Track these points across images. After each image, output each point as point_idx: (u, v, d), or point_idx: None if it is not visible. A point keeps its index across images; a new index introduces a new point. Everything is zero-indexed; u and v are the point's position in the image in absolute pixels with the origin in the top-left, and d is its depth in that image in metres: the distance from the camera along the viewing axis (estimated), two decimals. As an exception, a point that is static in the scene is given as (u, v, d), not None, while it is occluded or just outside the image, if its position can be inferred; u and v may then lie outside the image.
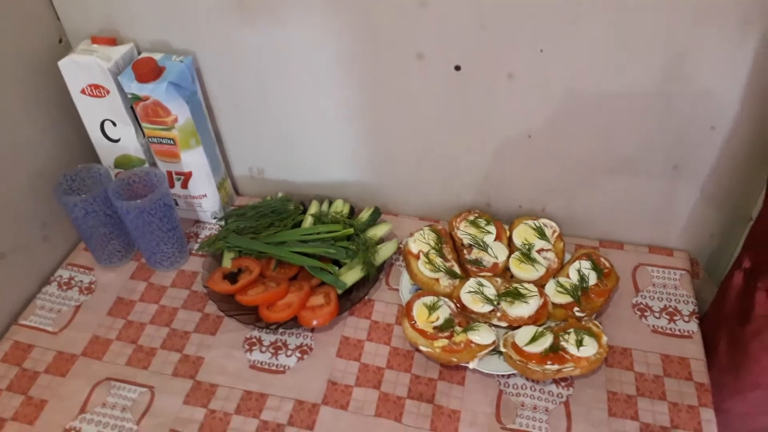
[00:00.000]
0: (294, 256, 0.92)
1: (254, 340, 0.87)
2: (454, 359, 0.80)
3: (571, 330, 0.81)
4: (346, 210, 1.02)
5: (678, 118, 0.82)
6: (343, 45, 0.86)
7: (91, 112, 0.93)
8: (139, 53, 0.92)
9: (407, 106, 0.90)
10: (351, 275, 0.92)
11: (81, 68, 0.87)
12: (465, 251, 0.93)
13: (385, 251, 0.95)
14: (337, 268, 0.93)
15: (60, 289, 0.95)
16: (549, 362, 0.78)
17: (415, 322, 0.83)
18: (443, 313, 0.84)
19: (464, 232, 0.95)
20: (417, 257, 0.92)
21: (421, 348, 0.81)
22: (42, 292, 0.95)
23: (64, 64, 0.87)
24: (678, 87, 0.79)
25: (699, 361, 0.83)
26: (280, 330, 0.88)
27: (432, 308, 0.84)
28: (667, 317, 0.88)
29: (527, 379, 0.81)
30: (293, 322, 0.87)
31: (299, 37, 0.86)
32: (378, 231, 0.97)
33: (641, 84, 0.80)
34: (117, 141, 0.96)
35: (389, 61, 0.86)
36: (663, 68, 0.78)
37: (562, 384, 0.81)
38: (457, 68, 0.84)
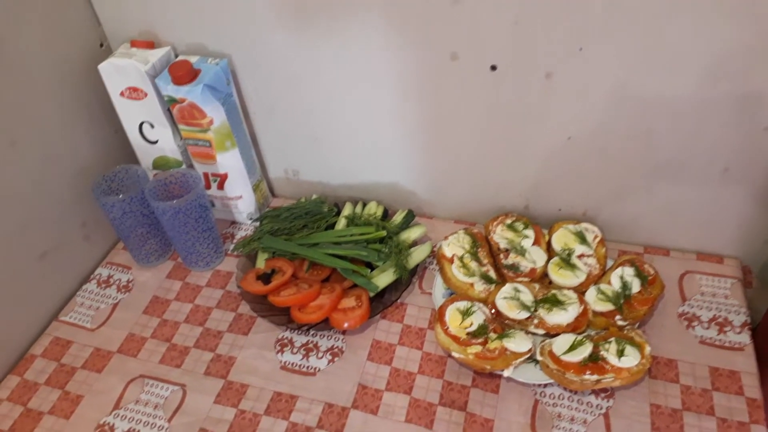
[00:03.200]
0: (327, 257, 0.91)
1: (286, 341, 0.87)
2: (488, 366, 0.77)
3: (612, 339, 0.77)
4: (379, 212, 1.00)
5: (727, 119, 0.78)
6: (376, 46, 0.84)
7: (129, 115, 0.94)
8: (177, 56, 0.93)
9: (442, 107, 0.89)
10: (383, 278, 0.90)
11: (120, 71, 0.89)
12: (501, 256, 0.91)
13: (418, 254, 0.93)
14: (369, 270, 0.91)
15: (99, 287, 0.97)
16: (588, 372, 0.75)
17: (448, 328, 0.80)
18: (477, 318, 0.81)
19: (501, 236, 0.93)
20: (451, 261, 0.90)
21: (454, 354, 0.79)
22: (82, 290, 0.97)
23: (103, 67, 0.89)
24: (727, 86, 0.75)
25: (751, 374, 0.78)
26: (311, 332, 0.87)
27: (465, 313, 0.81)
28: (717, 328, 0.83)
29: (564, 389, 0.78)
30: (324, 324, 0.86)
31: (332, 39, 0.86)
32: (411, 234, 0.96)
33: (687, 83, 0.76)
34: (155, 143, 0.97)
35: (423, 62, 0.84)
36: (710, 67, 0.74)
37: (602, 395, 0.77)
38: (493, 68, 0.81)
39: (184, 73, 0.86)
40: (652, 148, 0.84)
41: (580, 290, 0.86)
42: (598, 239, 0.91)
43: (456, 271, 0.88)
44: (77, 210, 0.96)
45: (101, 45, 0.96)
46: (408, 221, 0.98)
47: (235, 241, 1.03)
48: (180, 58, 0.91)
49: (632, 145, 0.84)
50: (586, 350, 0.76)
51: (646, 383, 0.78)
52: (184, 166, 0.99)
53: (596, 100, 0.81)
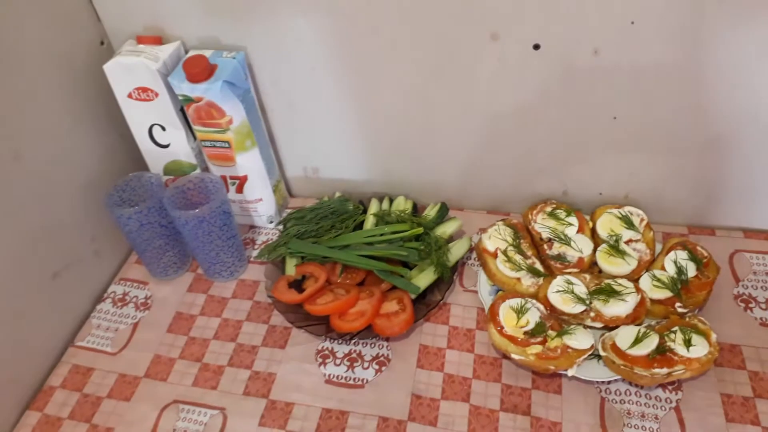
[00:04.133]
0: (361, 259, 0.86)
1: (327, 352, 0.81)
2: (552, 367, 0.73)
3: (676, 328, 0.74)
4: (409, 207, 0.95)
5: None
6: (406, 30, 0.79)
7: (138, 117, 0.87)
8: (186, 51, 0.86)
9: (479, 91, 0.83)
10: (423, 278, 0.85)
11: (127, 71, 0.82)
12: (545, 246, 0.86)
13: (457, 250, 0.88)
14: (408, 270, 0.86)
15: (115, 306, 0.90)
16: (656, 365, 0.71)
17: (503, 328, 0.76)
18: (533, 316, 0.77)
19: (542, 225, 0.88)
20: (494, 255, 0.85)
21: (513, 356, 0.74)
22: (96, 311, 0.90)
23: (109, 67, 0.82)
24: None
25: (817, 355, 0.75)
26: (353, 340, 0.81)
27: (520, 312, 0.77)
28: (775, 308, 0.81)
29: (630, 384, 0.74)
30: (367, 332, 0.81)
31: (357, 24, 0.80)
32: (447, 228, 0.91)
33: (742, 53, 0.72)
34: (166, 146, 0.90)
35: (461, 44, 0.78)
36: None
37: (669, 388, 0.74)
38: (536, 47, 0.76)
39: (201, 70, 0.79)
40: (702, 123, 0.80)
41: (633, 278, 0.82)
42: (644, 223, 0.87)
43: (501, 266, 0.83)
44: (86, 224, 0.88)
45: (102, 43, 0.88)
46: (442, 215, 0.93)
47: (256, 246, 0.97)
48: (192, 53, 0.83)
49: (681, 121, 0.80)
50: (652, 342, 0.72)
51: (713, 372, 0.75)
52: (198, 170, 0.93)
53: (645, 76, 0.77)
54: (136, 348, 0.84)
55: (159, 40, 0.84)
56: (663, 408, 0.72)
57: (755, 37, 0.70)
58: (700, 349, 0.71)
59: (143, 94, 0.83)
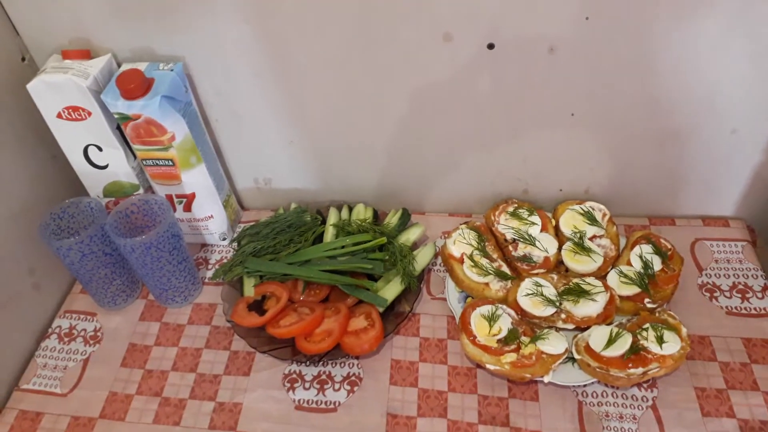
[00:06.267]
0: (324, 275, 0.82)
1: (294, 376, 0.77)
2: (528, 375, 0.71)
3: (648, 325, 0.73)
4: (369, 215, 0.92)
5: (740, 79, 0.74)
6: (355, 30, 0.74)
7: (71, 138, 0.80)
8: (119, 65, 0.80)
9: (433, 94, 0.80)
10: (390, 289, 0.82)
11: (55, 89, 0.75)
12: (510, 247, 0.84)
13: (423, 258, 0.85)
14: (373, 283, 0.83)
15: (61, 342, 0.83)
16: (631, 365, 0.70)
17: (476, 338, 0.74)
18: (504, 322, 0.75)
19: (506, 225, 0.86)
20: (460, 261, 0.83)
21: (489, 367, 0.72)
22: (41, 348, 0.83)
23: (33, 86, 0.75)
24: (740, 46, 0.70)
25: (783, 341, 0.76)
26: (322, 361, 0.78)
27: (492, 319, 0.75)
28: (739, 296, 0.81)
29: (606, 385, 0.73)
30: (335, 351, 0.77)
31: (303, 27, 0.75)
32: (410, 235, 0.88)
33: (697, 45, 0.71)
34: (105, 167, 0.83)
35: (412, 46, 0.75)
36: (721, 29, 0.69)
37: (644, 386, 0.73)
38: (491, 46, 0.73)
39: (137, 85, 0.73)
40: (661, 116, 0.79)
41: (599, 275, 0.81)
42: (606, 217, 0.86)
43: (468, 272, 0.81)
44: (22, 256, 0.82)
45: (23, 59, 0.81)
46: (404, 222, 0.90)
47: (210, 266, 0.91)
48: (125, 66, 0.77)
49: (640, 115, 0.79)
50: (626, 342, 0.71)
51: (685, 365, 0.74)
52: (141, 191, 0.86)
53: (602, 72, 0.75)
54: (88, 386, 0.79)
55: (87, 54, 0.78)
56: (640, 407, 0.71)
57: (706, 30, 0.69)
58: (672, 345, 0.71)
59: (74, 113, 0.77)
